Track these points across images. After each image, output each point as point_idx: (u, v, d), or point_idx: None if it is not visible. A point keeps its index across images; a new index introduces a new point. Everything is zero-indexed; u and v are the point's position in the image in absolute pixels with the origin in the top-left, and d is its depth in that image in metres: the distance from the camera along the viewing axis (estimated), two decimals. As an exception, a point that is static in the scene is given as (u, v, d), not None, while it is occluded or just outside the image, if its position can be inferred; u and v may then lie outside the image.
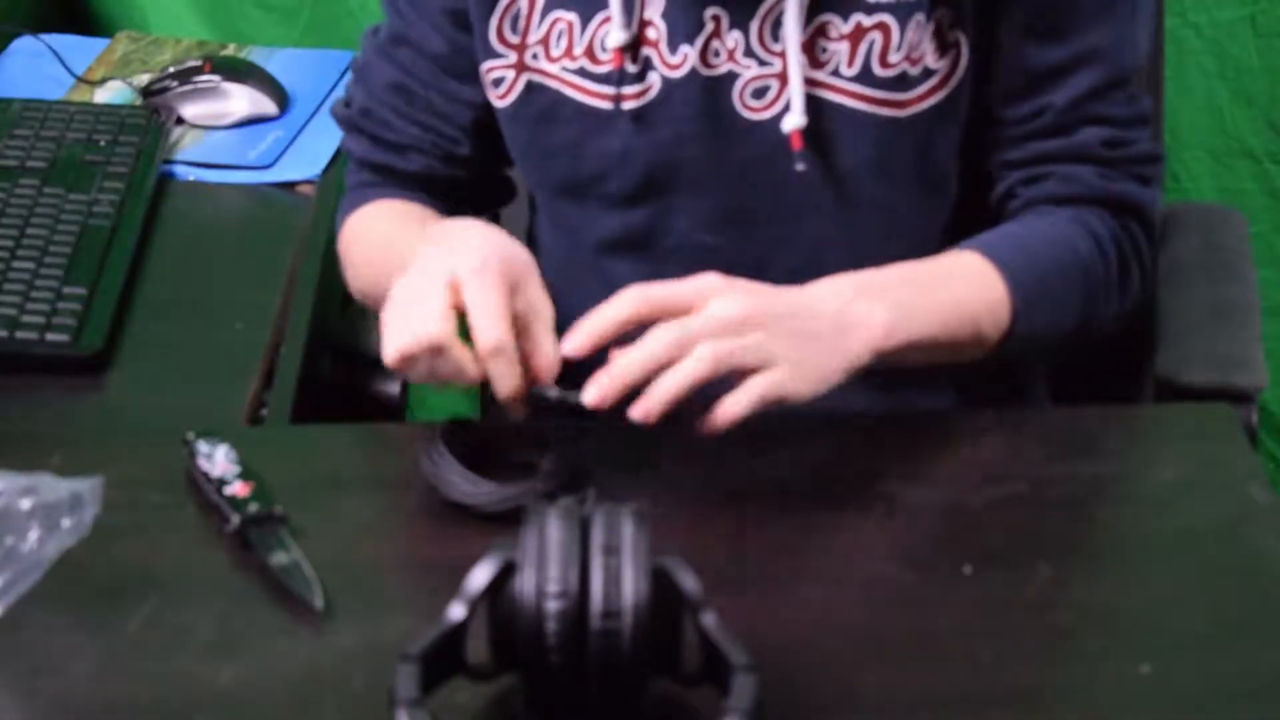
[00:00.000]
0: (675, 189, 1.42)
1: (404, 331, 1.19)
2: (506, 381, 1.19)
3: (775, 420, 1.32)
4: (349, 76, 1.54)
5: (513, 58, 1.41)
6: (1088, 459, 1.29)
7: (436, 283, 1.19)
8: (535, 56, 1.41)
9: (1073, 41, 1.37)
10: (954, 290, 1.30)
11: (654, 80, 1.39)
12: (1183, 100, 2.10)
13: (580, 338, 1.19)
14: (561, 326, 1.51)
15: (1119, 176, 1.40)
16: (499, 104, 1.43)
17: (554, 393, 1.20)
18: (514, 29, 1.40)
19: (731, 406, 1.17)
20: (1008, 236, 1.38)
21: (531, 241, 1.55)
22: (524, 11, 1.40)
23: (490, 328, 1.18)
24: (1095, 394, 1.51)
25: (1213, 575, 1.16)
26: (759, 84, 1.38)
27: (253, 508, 1.17)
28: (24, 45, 2.02)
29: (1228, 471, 1.25)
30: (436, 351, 1.18)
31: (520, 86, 1.42)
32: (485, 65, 1.42)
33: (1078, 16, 1.37)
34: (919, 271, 1.30)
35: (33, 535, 1.11)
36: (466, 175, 1.51)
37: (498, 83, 1.42)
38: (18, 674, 1.08)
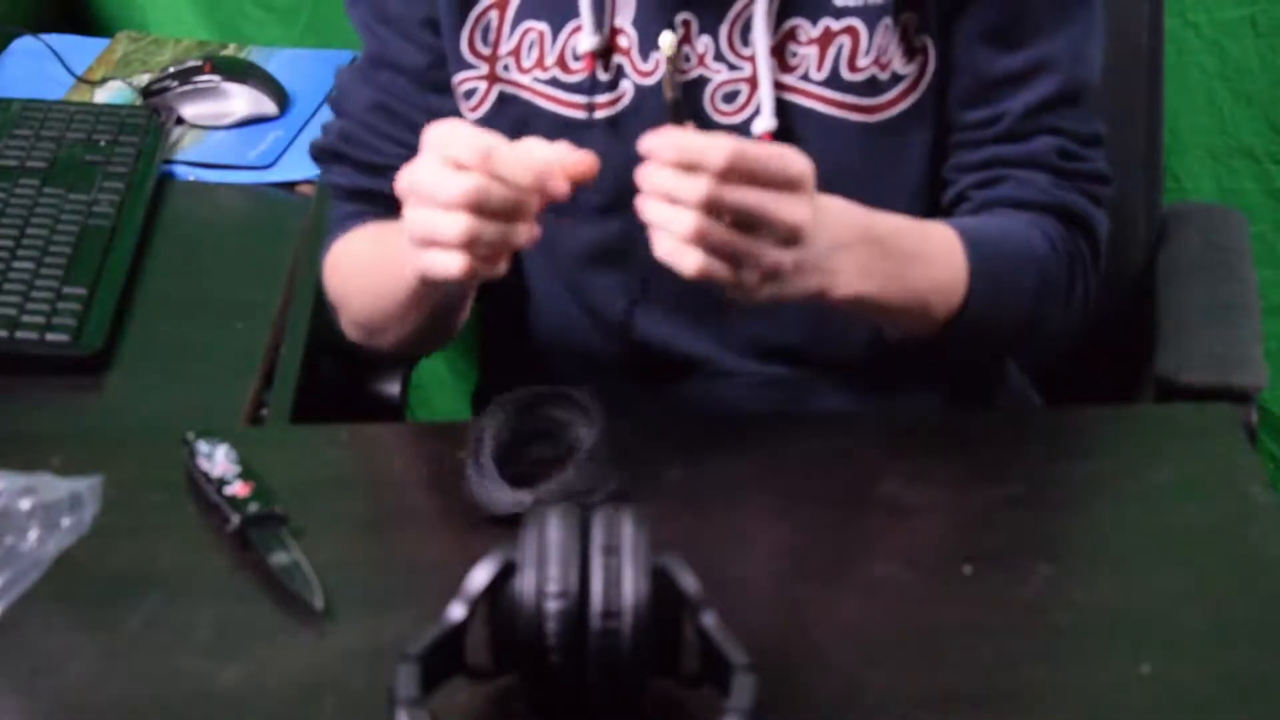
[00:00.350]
0: None
1: (443, 188, 1.15)
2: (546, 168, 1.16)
3: (775, 420, 1.32)
4: (326, 115, 1.51)
5: (484, 69, 1.41)
6: (1088, 459, 1.29)
7: (430, 161, 1.17)
8: (506, 68, 1.40)
9: (1029, 50, 1.38)
10: (917, 266, 1.30)
11: (626, 88, 1.39)
12: (1183, 100, 2.10)
13: (661, 142, 1.16)
14: (543, 343, 1.51)
15: (1071, 189, 1.40)
16: (470, 116, 1.42)
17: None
18: (485, 40, 1.40)
19: (702, 264, 1.16)
20: (974, 223, 1.38)
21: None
22: (494, 23, 1.40)
23: (472, 137, 1.16)
24: (1095, 394, 1.51)
25: (1213, 575, 1.16)
26: (729, 88, 1.38)
27: (253, 508, 1.17)
28: (24, 45, 2.02)
29: (1228, 471, 1.25)
30: (488, 169, 1.14)
31: (493, 98, 1.41)
32: (457, 77, 1.42)
33: (1035, 25, 1.38)
34: (892, 232, 1.29)
35: (32, 535, 1.11)
36: None
37: (469, 94, 1.42)
38: (18, 674, 1.08)
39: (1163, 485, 1.24)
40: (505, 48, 1.40)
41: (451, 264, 1.16)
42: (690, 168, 1.15)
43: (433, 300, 1.30)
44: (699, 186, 1.15)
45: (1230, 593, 1.15)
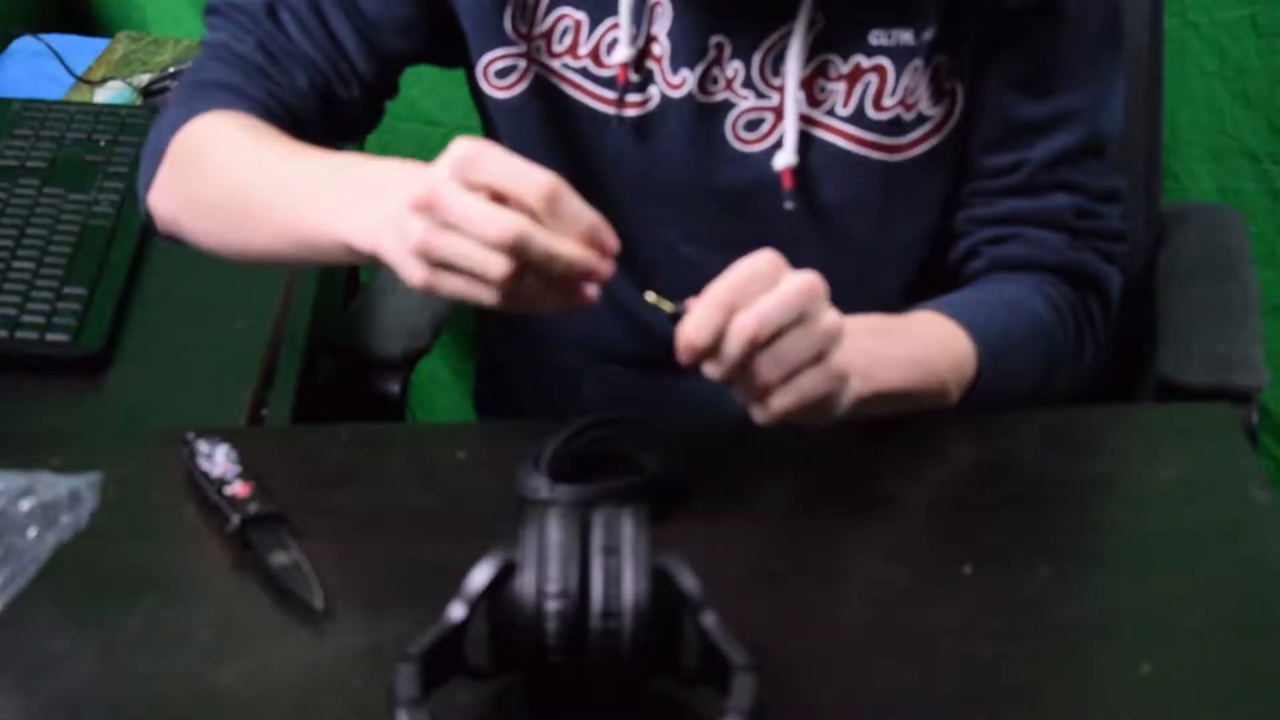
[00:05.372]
0: (664, 201, 1.41)
1: (479, 225, 1.07)
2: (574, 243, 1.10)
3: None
4: None
5: (523, 47, 1.40)
6: (1088, 459, 1.29)
7: (465, 191, 1.09)
8: (539, 50, 1.40)
9: (1057, 99, 1.38)
10: (919, 344, 1.29)
11: (654, 93, 1.39)
12: (1183, 100, 2.10)
13: (692, 339, 1.13)
14: (545, 334, 1.51)
15: (1084, 248, 1.41)
16: (500, 95, 1.42)
17: (670, 306, 1.15)
18: (523, 18, 1.40)
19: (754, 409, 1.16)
20: (969, 300, 1.37)
21: None
22: (530, 3, 1.39)
23: (536, 174, 1.09)
24: (1095, 394, 1.51)
25: (1213, 575, 1.16)
26: (754, 116, 1.38)
27: (253, 508, 1.17)
28: (24, 45, 2.02)
29: (1228, 471, 1.25)
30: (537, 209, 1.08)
31: (529, 79, 1.41)
32: (491, 55, 1.41)
33: (1065, 75, 1.38)
34: (884, 323, 1.28)
35: (31, 533, 1.11)
36: (328, 124, 1.41)
37: (504, 73, 1.41)
38: (18, 674, 1.08)
39: (1163, 485, 1.24)
40: (537, 30, 1.39)
41: (486, 297, 1.10)
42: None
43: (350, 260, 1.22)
44: (737, 343, 1.12)
45: (1230, 593, 1.15)
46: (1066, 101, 1.38)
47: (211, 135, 1.33)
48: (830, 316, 1.15)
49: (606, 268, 1.12)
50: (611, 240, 1.12)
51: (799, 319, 1.13)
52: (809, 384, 1.15)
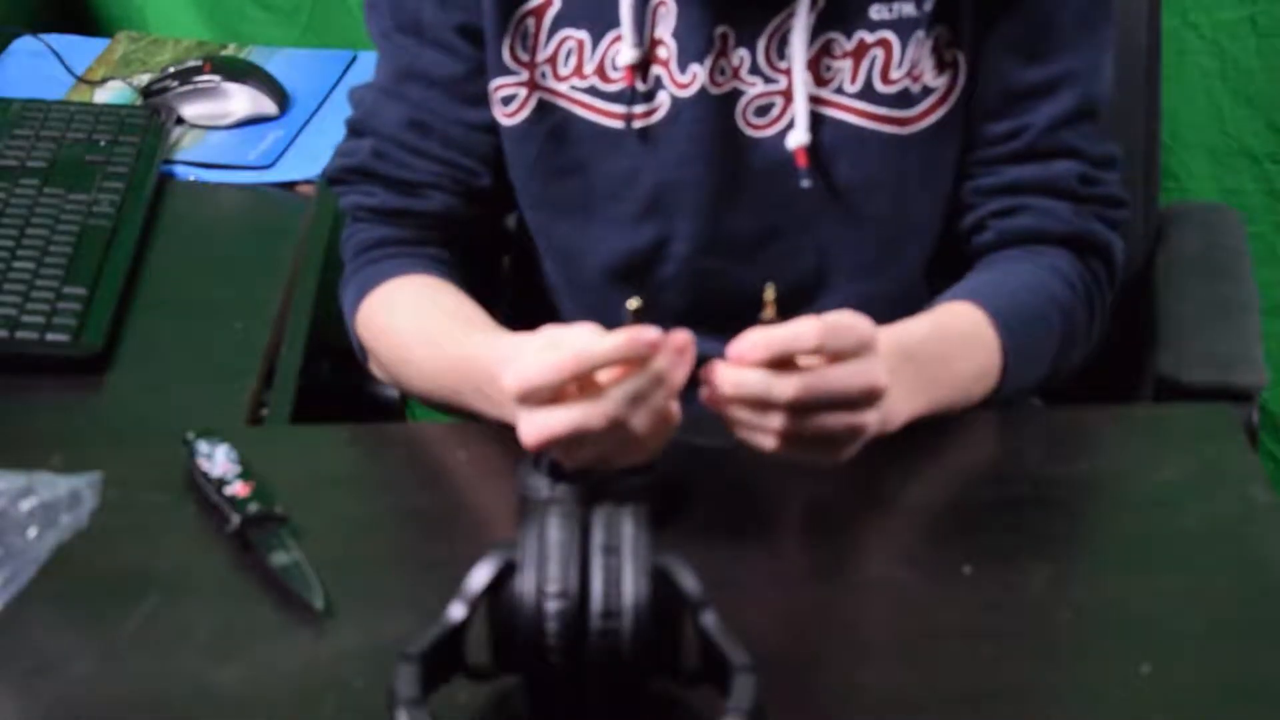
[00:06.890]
0: (679, 212, 1.41)
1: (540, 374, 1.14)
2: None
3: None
4: (344, 139, 1.48)
5: (524, 75, 1.41)
6: (1088, 459, 1.29)
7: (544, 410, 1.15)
8: (544, 75, 1.40)
9: (1054, 62, 1.39)
10: (955, 365, 1.30)
11: (663, 99, 1.39)
12: (1183, 100, 2.10)
13: (755, 349, 1.14)
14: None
15: (1089, 216, 1.41)
16: (507, 122, 1.42)
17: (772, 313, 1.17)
18: (524, 46, 1.40)
19: (788, 451, 1.17)
20: (1005, 293, 1.37)
21: (520, 274, 1.54)
22: (531, 29, 1.40)
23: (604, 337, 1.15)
24: (1095, 394, 1.51)
25: (1213, 575, 1.16)
26: (763, 101, 1.38)
27: (253, 508, 1.17)
28: (24, 45, 2.02)
29: (1228, 471, 1.25)
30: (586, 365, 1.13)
31: (532, 105, 1.41)
32: (496, 82, 1.41)
33: (1061, 39, 1.38)
34: (922, 341, 1.28)
35: (31, 532, 1.11)
36: (484, 213, 1.47)
37: (507, 100, 1.42)
38: (17, 674, 1.08)
39: (1163, 485, 1.25)
40: (541, 55, 1.40)
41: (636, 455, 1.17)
42: (778, 365, 1.14)
43: None
44: (786, 389, 1.14)
45: (1230, 593, 1.15)
46: (1064, 64, 1.39)
47: (376, 330, 1.42)
48: (875, 422, 1.17)
49: (690, 346, 1.16)
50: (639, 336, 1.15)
51: (844, 405, 1.15)
52: (813, 456, 1.18)
